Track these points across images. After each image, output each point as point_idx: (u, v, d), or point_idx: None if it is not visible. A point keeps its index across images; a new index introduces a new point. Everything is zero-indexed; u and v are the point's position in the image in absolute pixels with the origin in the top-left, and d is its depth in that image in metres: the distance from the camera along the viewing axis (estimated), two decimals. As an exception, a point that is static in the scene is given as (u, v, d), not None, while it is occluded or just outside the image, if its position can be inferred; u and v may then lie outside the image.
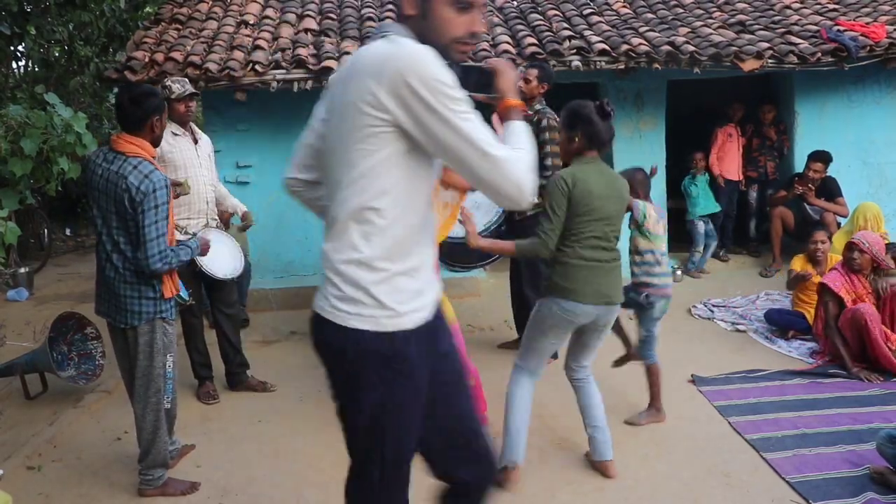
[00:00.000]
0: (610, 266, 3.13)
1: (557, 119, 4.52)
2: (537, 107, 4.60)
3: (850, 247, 4.65)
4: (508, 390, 3.28)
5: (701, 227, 7.05)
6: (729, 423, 3.80)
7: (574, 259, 3.07)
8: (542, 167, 4.51)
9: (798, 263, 5.24)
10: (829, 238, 5.26)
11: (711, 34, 6.58)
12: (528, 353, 3.27)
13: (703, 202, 7.09)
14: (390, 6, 7.40)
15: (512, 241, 3.23)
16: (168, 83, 4.19)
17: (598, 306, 3.10)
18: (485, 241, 3.24)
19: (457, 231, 4.53)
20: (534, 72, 4.59)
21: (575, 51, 6.18)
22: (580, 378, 3.39)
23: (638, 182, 3.68)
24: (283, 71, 5.94)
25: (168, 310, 3.19)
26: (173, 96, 4.13)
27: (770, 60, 6.29)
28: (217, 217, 4.43)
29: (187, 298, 3.37)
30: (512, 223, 4.56)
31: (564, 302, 3.08)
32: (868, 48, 6.41)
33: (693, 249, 7.08)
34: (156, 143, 3.21)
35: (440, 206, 4.14)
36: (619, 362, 4.07)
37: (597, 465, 3.37)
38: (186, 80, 4.30)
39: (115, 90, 10.25)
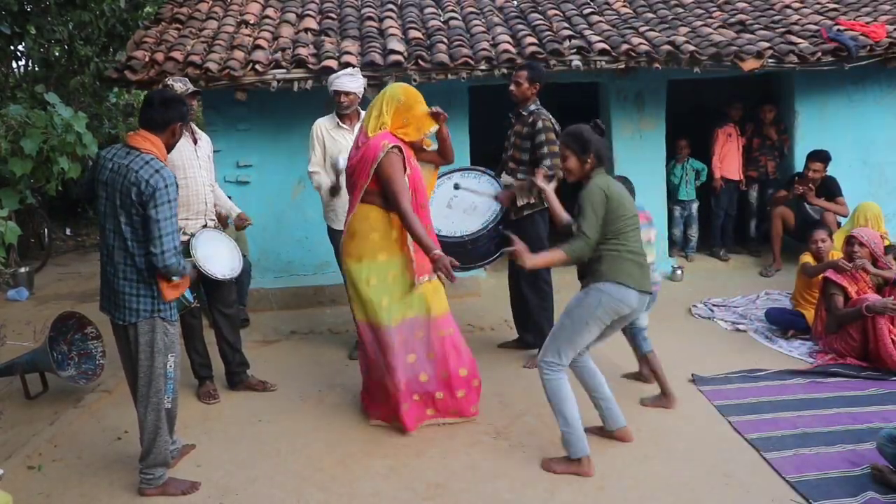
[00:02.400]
0: (646, 261, 3.42)
1: (553, 120, 4.53)
2: (532, 108, 4.59)
3: (850, 240, 4.74)
4: (548, 389, 3.37)
5: (677, 211, 7.32)
6: (729, 422, 3.80)
7: (625, 253, 3.29)
8: (532, 166, 4.50)
9: (806, 256, 5.24)
10: (830, 236, 5.27)
11: (711, 34, 6.58)
12: (566, 345, 3.35)
13: (681, 189, 7.32)
14: (390, 5, 7.40)
15: (558, 249, 3.28)
16: (169, 82, 4.18)
17: (641, 294, 3.34)
18: (539, 257, 3.36)
19: (453, 231, 4.54)
20: (523, 73, 4.57)
21: (575, 50, 6.17)
22: (581, 361, 3.55)
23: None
24: (284, 70, 5.93)
25: (167, 309, 3.19)
26: None
27: (770, 60, 6.28)
28: (215, 218, 4.43)
29: (192, 301, 3.38)
30: (508, 222, 4.55)
31: (615, 287, 3.26)
32: (868, 48, 6.40)
33: (687, 232, 7.37)
34: (170, 149, 3.23)
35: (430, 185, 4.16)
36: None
37: (616, 434, 3.58)
38: (187, 79, 4.29)
39: (116, 90, 10.31)
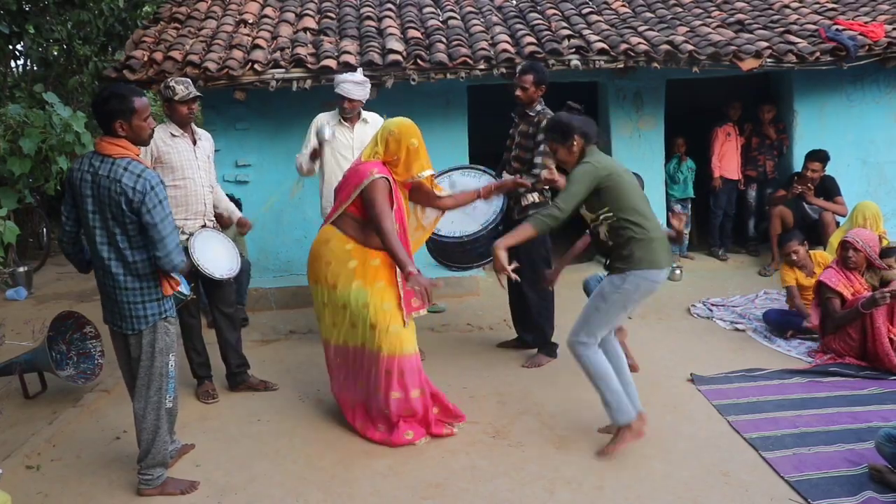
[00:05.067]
0: (664, 234, 3.48)
1: None
2: (538, 108, 4.59)
3: (845, 245, 4.72)
4: (587, 365, 3.42)
5: (676, 209, 7.32)
6: (728, 422, 3.80)
7: (650, 233, 3.35)
8: (532, 165, 4.51)
9: (787, 272, 5.29)
10: (802, 243, 5.28)
11: (710, 33, 6.59)
12: (601, 327, 3.42)
13: (682, 187, 7.32)
14: (388, 5, 7.40)
15: (525, 223, 3.33)
16: (172, 84, 4.15)
17: (669, 270, 3.46)
18: (508, 238, 3.37)
19: (453, 231, 4.53)
20: (529, 78, 4.55)
21: (574, 50, 6.18)
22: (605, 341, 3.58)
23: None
24: (282, 70, 5.94)
25: (171, 308, 3.20)
26: (177, 98, 4.11)
27: (769, 60, 6.29)
28: (214, 218, 4.41)
29: (188, 294, 3.36)
30: (509, 222, 4.53)
31: (651, 272, 3.35)
32: (867, 47, 6.41)
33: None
34: (137, 142, 3.07)
35: (413, 228, 4.06)
36: None
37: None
38: (190, 81, 4.26)
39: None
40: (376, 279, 3.65)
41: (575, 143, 3.34)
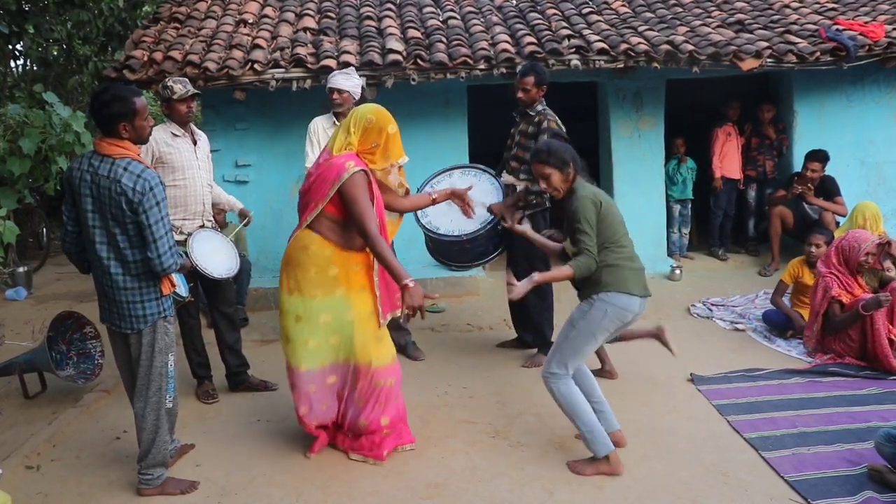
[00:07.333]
0: (641, 264, 3.45)
1: (559, 122, 4.52)
2: (538, 108, 4.58)
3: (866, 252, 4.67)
4: (559, 398, 3.37)
5: (676, 209, 7.32)
6: (728, 421, 3.81)
7: (622, 261, 3.33)
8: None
9: (795, 267, 5.27)
10: (827, 243, 5.26)
11: (710, 33, 6.59)
12: (573, 357, 3.37)
13: (681, 188, 7.33)
14: (388, 5, 7.40)
15: (566, 266, 3.30)
16: (169, 83, 4.16)
17: (644, 298, 3.38)
18: (540, 275, 3.36)
19: (451, 230, 4.53)
20: (530, 79, 4.54)
21: (574, 50, 6.17)
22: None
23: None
24: (282, 70, 5.93)
25: (170, 307, 3.20)
26: (175, 97, 4.12)
27: (769, 60, 6.29)
28: (213, 218, 4.42)
29: (186, 295, 3.36)
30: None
31: (619, 296, 3.29)
32: (867, 47, 6.41)
33: (669, 230, 7.35)
34: (138, 142, 3.07)
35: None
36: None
37: (611, 438, 3.46)
38: (187, 80, 4.26)
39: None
40: (359, 286, 3.47)
41: (571, 171, 3.35)
